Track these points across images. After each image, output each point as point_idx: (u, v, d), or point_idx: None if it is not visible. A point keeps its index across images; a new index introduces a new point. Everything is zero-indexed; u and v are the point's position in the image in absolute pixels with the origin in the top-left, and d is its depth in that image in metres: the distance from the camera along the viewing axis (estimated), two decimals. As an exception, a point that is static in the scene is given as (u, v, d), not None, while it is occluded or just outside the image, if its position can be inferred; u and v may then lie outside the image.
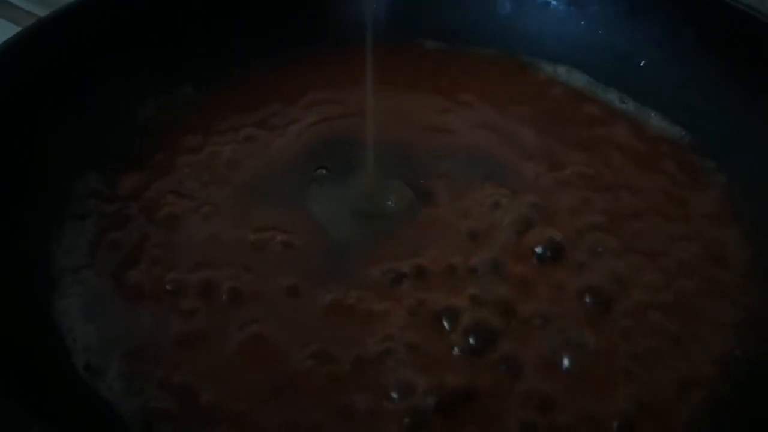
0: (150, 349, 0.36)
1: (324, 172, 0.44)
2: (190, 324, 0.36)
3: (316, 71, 0.51)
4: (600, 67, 0.51)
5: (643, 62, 0.50)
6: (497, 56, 0.53)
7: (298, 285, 0.38)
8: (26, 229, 0.39)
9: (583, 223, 0.41)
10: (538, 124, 0.47)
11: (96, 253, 0.40)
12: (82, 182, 0.43)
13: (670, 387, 0.34)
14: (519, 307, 0.37)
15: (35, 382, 0.32)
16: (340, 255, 0.40)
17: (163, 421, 0.33)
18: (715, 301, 0.38)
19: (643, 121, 0.48)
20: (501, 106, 0.49)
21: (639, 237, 0.41)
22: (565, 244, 0.40)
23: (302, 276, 0.38)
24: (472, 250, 0.39)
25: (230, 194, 0.43)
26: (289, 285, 0.38)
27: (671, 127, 0.48)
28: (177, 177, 0.44)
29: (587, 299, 0.37)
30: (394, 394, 0.34)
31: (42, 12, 0.50)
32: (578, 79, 0.51)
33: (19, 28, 0.46)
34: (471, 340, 0.35)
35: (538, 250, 0.39)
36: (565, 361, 0.35)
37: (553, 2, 0.52)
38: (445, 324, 0.36)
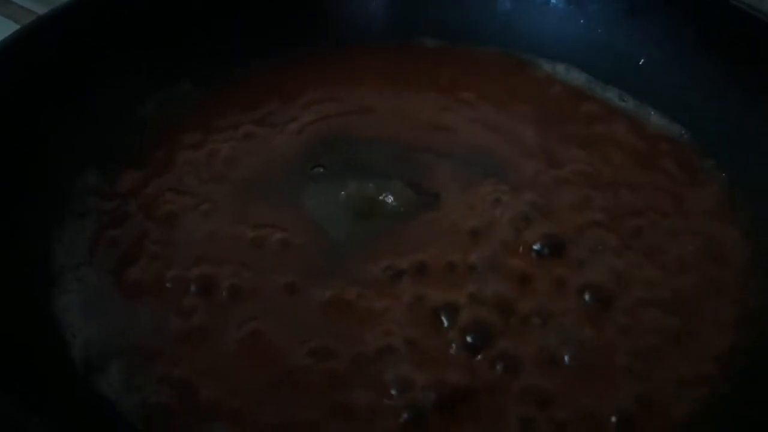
0: (150, 345, 0.36)
1: (321, 170, 0.44)
2: (190, 321, 0.36)
3: (315, 70, 0.51)
4: (599, 66, 0.51)
5: (642, 61, 0.50)
6: (497, 54, 0.53)
7: (297, 282, 0.38)
8: (26, 226, 0.39)
9: (582, 221, 0.41)
10: (537, 122, 0.47)
11: (96, 251, 0.40)
12: (82, 180, 0.43)
13: (669, 384, 0.34)
14: (518, 304, 0.37)
15: (35, 378, 0.32)
16: (339, 252, 0.40)
17: (162, 416, 0.33)
18: (715, 298, 0.38)
19: (643, 120, 0.48)
20: (501, 104, 0.49)
21: (638, 234, 0.41)
22: (565, 242, 0.40)
23: (301, 273, 0.38)
24: (471, 247, 0.39)
25: (229, 192, 0.43)
26: (288, 282, 0.38)
27: (671, 125, 0.48)
28: (176, 174, 0.44)
29: (587, 296, 0.37)
30: (392, 391, 0.34)
31: (41, 10, 0.50)
32: (578, 78, 0.51)
33: (18, 26, 0.46)
34: (470, 337, 0.35)
35: (538, 247, 0.39)
36: (564, 358, 0.35)
37: (553, 1, 0.53)
38: (444, 321, 0.36)
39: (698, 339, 0.36)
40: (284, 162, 0.45)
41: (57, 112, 0.44)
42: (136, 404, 0.33)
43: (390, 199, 0.42)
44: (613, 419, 0.33)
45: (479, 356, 0.35)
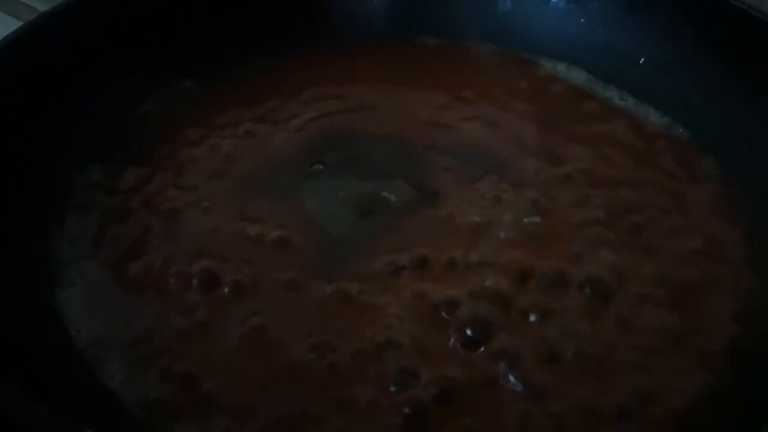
0: (152, 340, 0.36)
1: (321, 167, 0.45)
2: (192, 316, 0.37)
3: (316, 69, 0.51)
4: (600, 65, 0.51)
5: (642, 60, 0.50)
6: (498, 53, 0.53)
7: (298, 278, 0.38)
8: (29, 221, 0.39)
9: (582, 218, 0.41)
10: (538, 120, 0.47)
11: (98, 246, 0.40)
12: (85, 176, 0.43)
13: (668, 380, 0.35)
14: (518, 299, 0.37)
15: (38, 372, 0.32)
16: (340, 248, 0.40)
17: (164, 410, 0.33)
18: (714, 296, 0.38)
19: (642, 118, 0.48)
20: (501, 103, 0.49)
21: (638, 232, 0.41)
22: (566, 239, 0.40)
23: (302, 269, 0.39)
24: (472, 243, 0.40)
25: (231, 188, 0.43)
26: (289, 278, 0.38)
27: (670, 124, 0.48)
28: (178, 171, 0.44)
29: (586, 293, 0.37)
30: (393, 386, 0.34)
31: (43, 7, 0.50)
32: (578, 76, 0.51)
33: (20, 23, 0.46)
34: (470, 332, 0.35)
35: (539, 245, 0.39)
36: (564, 354, 0.35)
37: (553, 0, 0.53)
38: (445, 316, 0.36)
39: (697, 336, 0.36)
40: (285, 159, 0.45)
41: (59, 109, 0.44)
42: (139, 398, 0.33)
43: (390, 196, 0.43)
44: (612, 414, 0.33)
45: (479, 351, 0.35)
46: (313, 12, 0.54)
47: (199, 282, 0.38)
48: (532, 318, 0.36)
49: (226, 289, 0.38)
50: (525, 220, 0.41)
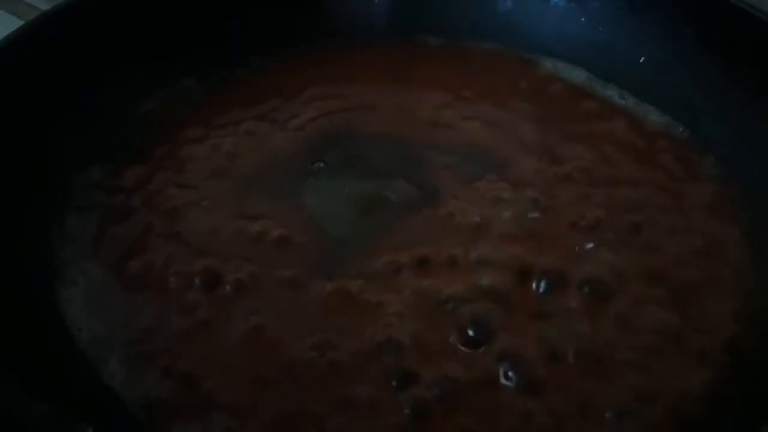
0: (153, 338, 0.36)
1: (322, 165, 0.45)
2: (192, 315, 0.37)
3: (317, 68, 0.51)
4: (600, 64, 0.51)
5: (642, 59, 0.50)
6: (498, 52, 0.53)
7: (299, 276, 0.38)
8: (29, 221, 0.40)
9: (582, 217, 0.41)
10: (538, 119, 0.48)
11: (99, 245, 0.40)
12: (85, 175, 0.43)
13: (668, 379, 0.35)
14: (518, 298, 0.37)
15: (39, 370, 0.33)
16: (341, 247, 0.40)
17: (165, 409, 0.33)
18: (714, 294, 0.38)
19: (642, 117, 0.48)
20: (501, 102, 0.49)
21: (638, 231, 0.41)
22: (566, 238, 0.40)
23: (303, 268, 0.39)
24: (472, 242, 0.40)
25: (231, 187, 0.43)
26: (290, 276, 0.38)
27: (670, 123, 0.48)
28: (178, 170, 0.44)
29: (586, 292, 0.37)
30: (394, 384, 0.34)
31: (45, 6, 0.50)
32: (578, 76, 0.51)
33: (22, 22, 0.46)
34: (471, 331, 0.36)
35: (539, 244, 0.39)
36: (564, 353, 0.35)
37: (554, -1, 0.53)
38: (446, 315, 0.36)
39: (697, 336, 0.36)
40: (286, 158, 0.45)
41: (59, 108, 0.44)
42: (139, 397, 0.34)
43: (391, 195, 0.43)
44: (612, 413, 0.33)
45: (480, 350, 0.35)
46: (313, 12, 0.54)
47: (200, 281, 0.38)
48: (532, 317, 0.36)
49: (226, 288, 0.38)
50: (525, 219, 0.41)
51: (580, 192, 0.43)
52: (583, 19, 0.52)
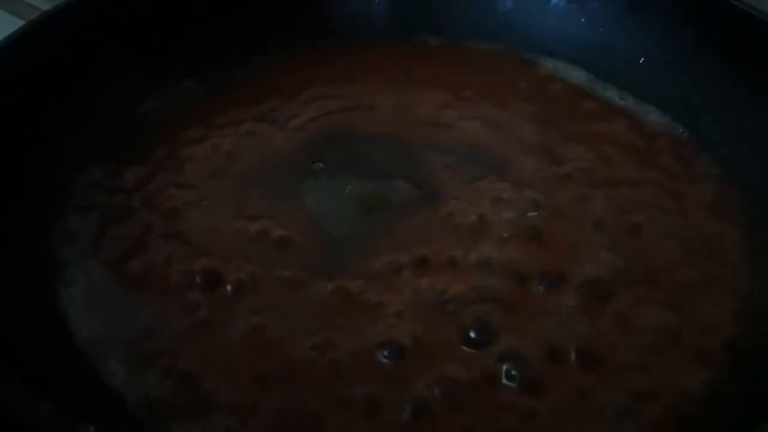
0: (153, 338, 0.36)
1: (321, 165, 0.45)
2: (193, 314, 0.37)
3: (317, 68, 0.51)
4: (600, 64, 0.51)
5: (642, 59, 0.50)
6: (498, 52, 0.53)
7: (299, 276, 0.38)
8: (29, 221, 0.40)
9: (582, 217, 0.41)
10: (538, 119, 0.48)
11: (99, 245, 0.40)
12: (85, 175, 0.43)
13: (668, 378, 0.35)
14: (518, 298, 0.37)
15: (39, 370, 0.32)
16: (340, 247, 0.40)
17: (165, 408, 0.33)
18: (713, 294, 0.38)
19: (642, 118, 0.48)
20: (501, 102, 0.49)
21: (637, 231, 0.41)
22: (566, 238, 0.40)
23: (303, 268, 0.39)
24: (472, 242, 0.40)
25: (231, 187, 0.43)
26: (290, 276, 0.38)
27: (670, 123, 0.48)
28: (178, 170, 0.44)
29: (586, 292, 0.37)
30: (393, 384, 0.34)
31: (45, 6, 0.50)
32: (578, 76, 0.51)
33: (23, 22, 0.46)
34: (471, 331, 0.36)
35: (538, 244, 0.40)
36: (564, 352, 0.35)
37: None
38: (446, 315, 0.36)
39: (697, 335, 0.36)
40: (286, 158, 0.45)
41: (59, 108, 0.44)
42: (140, 396, 0.34)
43: (391, 195, 0.43)
44: (612, 412, 0.33)
45: (480, 350, 0.35)
46: (313, 12, 0.54)
47: (200, 281, 0.38)
48: (533, 317, 0.36)
49: (226, 288, 0.38)
50: (525, 219, 0.41)
51: (580, 192, 0.43)
52: (583, 20, 0.52)
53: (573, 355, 0.35)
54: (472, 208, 0.42)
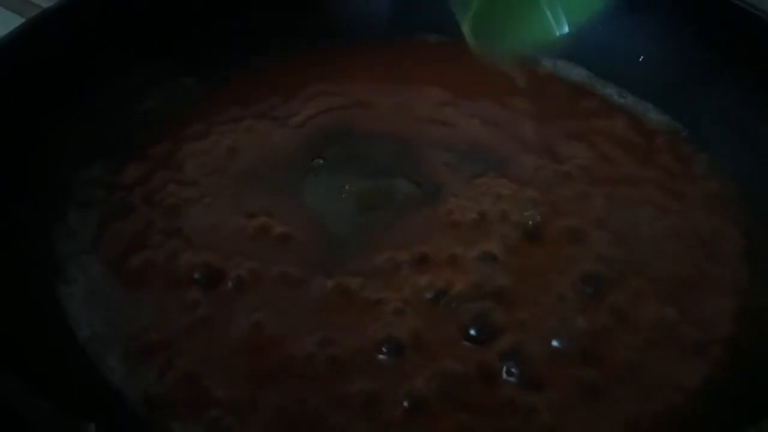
0: (153, 335, 0.36)
1: (321, 161, 0.45)
2: (193, 311, 0.37)
3: (317, 66, 0.51)
4: (599, 62, 0.51)
5: (642, 57, 0.50)
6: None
7: (299, 273, 0.38)
8: (29, 218, 0.40)
9: (582, 215, 0.41)
10: (538, 117, 0.48)
11: (99, 241, 0.40)
12: (85, 172, 0.43)
13: (667, 375, 0.35)
14: (518, 295, 0.37)
15: (39, 367, 0.32)
16: (340, 244, 0.40)
17: (165, 405, 0.33)
18: (712, 292, 0.38)
19: (642, 116, 0.49)
20: (501, 100, 0.49)
21: (636, 229, 0.41)
22: (565, 235, 0.40)
23: (303, 265, 0.39)
24: (472, 240, 0.40)
25: (232, 184, 0.43)
26: (290, 273, 0.38)
27: (669, 122, 0.48)
28: (179, 167, 0.44)
29: (586, 289, 0.38)
30: (393, 381, 0.34)
31: (46, 3, 0.50)
32: (577, 74, 0.51)
33: (23, 20, 0.46)
34: (471, 328, 0.36)
35: (538, 241, 0.40)
36: (564, 349, 0.35)
37: (554, -2, 0.53)
38: (446, 312, 0.36)
39: (696, 333, 0.37)
40: (286, 155, 0.45)
41: (60, 106, 0.44)
42: (140, 393, 0.34)
43: (391, 192, 0.43)
44: (612, 408, 0.33)
45: (479, 346, 0.35)
46: (313, 11, 0.54)
47: (200, 278, 0.38)
48: (532, 314, 0.36)
49: (227, 285, 0.38)
50: (525, 217, 0.41)
51: (580, 190, 0.43)
52: (582, 18, 0.52)
53: (573, 352, 0.35)
54: (472, 205, 0.42)
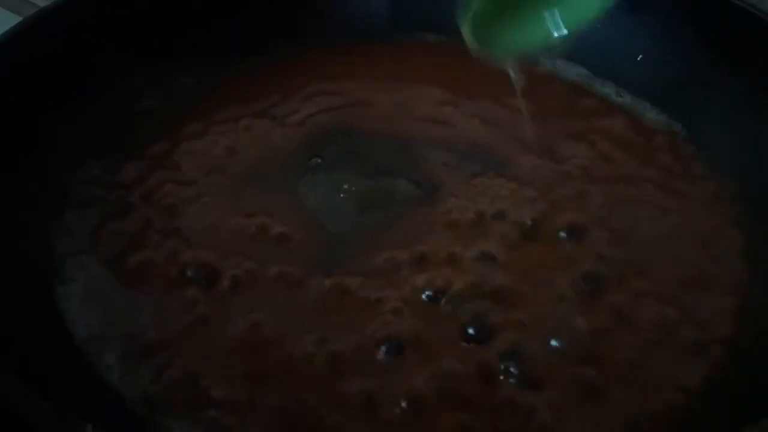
0: (151, 334, 0.36)
1: (319, 161, 0.45)
2: (191, 311, 0.37)
3: (316, 65, 0.51)
4: (598, 62, 0.51)
5: (640, 57, 0.50)
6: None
7: (297, 273, 0.38)
8: (28, 217, 0.39)
9: (580, 214, 0.41)
10: (537, 117, 0.47)
11: (98, 241, 0.40)
12: (84, 171, 0.43)
13: (667, 375, 0.35)
14: (518, 295, 0.37)
15: (37, 366, 0.32)
16: (339, 244, 0.40)
17: (163, 404, 0.33)
18: (712, 291, 0.39)
19: (640, 115, 0.49)
20: (500, 100, 0.49)
21: (636, 228, 0.41)
22: (564, 236, 0.40)
23: (301, 264, 0.39)
24: (471, 239, 0.40)
25: (230, 183, 0.43)
26: (289, 273, 0.38)
27: (668, 121, 0.48)
28: (177, 166, 0.44)
29: (585, 288, 0.38)
30: (392, 382, 0.34)
31: (43, 2, 0.50)
32: (576, 73, 0.51)
33: (20, 18, 0.46)
34: (469, 327, 0.36)
35: (537, 240, 0.40)
36: (563, 348, 0.35)
37: (553, -3, 0.53)
38: (444, 312, 0.36)
39: (695, 332, 0.37)
40: (285, 154, 0.45)
41: (58, 105, 0.44)
42: (139, 393, 0.33)
43: (390, 191, 0.43)
44: (612, 408, 0.33)
45: (478, 346, 0.35)
46: (313, 10, 0.54)
47: (199, 277, 0.38)
48: (532, 313, 0.36)
49: (225, 285, 0.38)
50: (524, 216, 0.41)
51: (579, 189, 0.43)
52: (581, 17, 0.52)
53: (572, 351, 0.35)
54: (471, 205, 0.42)
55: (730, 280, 0.39)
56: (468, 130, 0.47)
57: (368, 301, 0.37)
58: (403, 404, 0.33)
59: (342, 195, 0.43)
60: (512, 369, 0.34)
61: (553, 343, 0.35)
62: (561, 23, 0.42)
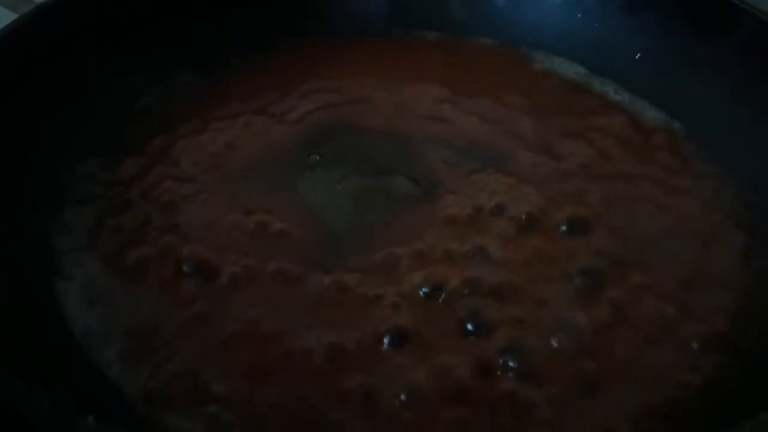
0: (150, 331, 0.36)
1: (318, 158, 0.45)
2: (190, 307, 0.37)
3: (315, 62, 0.51)
4: (596, 59, 0.51)
5: (638, 55, 0.50)
6: (495, 47, 0.53)
7: (297, 270, 0.38)
8: (27, 213, 0.39)
9: (579, 212, 0.41)
10: (535, 114, 0.48)
11: (97, 237, 0.40)
12: (83, 168, 0.43)
13: (666, 372, 0.35)
14: (516, 291, 0.37)
15: (37, 363, 0.32)
16: (337, 240, 0.40)
17: (162, 400, 0.33)
18: (712, 289, 0.38)
19: (638, 113, 0.49)
20: (499, 97, 0.49)
21: (634, 226, 0.41)
22: (563, 232, 0.40)
23: (300, 261, 0.38)
24: (469, 236, 0.40)
25: (229, 180, 0.43)
26: (288, 270, 0.38)
27: (667, 119, 0.48)
28: (176, 163, 0.44)
29: (584, 285, 0.38)
30: (392, 377, 0.34)
31: (40, -1, 0.50)
32: (575, 71, 0.51)
33: (17, 15, 0.46)
34: (468, 323, 0.36)
35: (536, 236, 0.40)
36: (562, 344, 0.35)
37: (551, -4, 0.53)
38: (443, 308, 0.36)
39: (695, 330, 0.36)
40: (283, 151, 0.45)
41: (56, 103, 0.44)
42: (138, 389, 0.33)
43: (388, 189, 0.43)
44: (611, 403, 0.33)
45: (478, 341, 0.35)
46: (312, 8, 0.54)
47: (197, 273, 0.38)
48: (530, 309, 0.36)
49: (224, 281, 0.37)
50: (522, 214, 0.41)
51: (578, 186, 0.43)
52: (580, 15, 0.52)
53: (572, 347, 0.35)
54: (469, 202, 0.42)
55: (730, 278, 0.39)
56: (466, 127, 0.47)
57: (367, 298, 0.37)
58: (403, 399, 0.33)
59: (341, 192, 0.43)
60: (512, 364, 0.34)
61: (553, 338, 0.35)
62: None
